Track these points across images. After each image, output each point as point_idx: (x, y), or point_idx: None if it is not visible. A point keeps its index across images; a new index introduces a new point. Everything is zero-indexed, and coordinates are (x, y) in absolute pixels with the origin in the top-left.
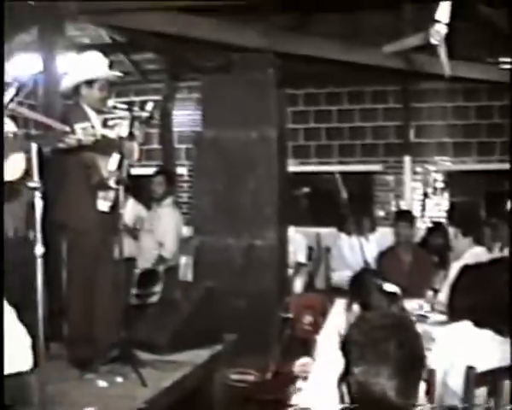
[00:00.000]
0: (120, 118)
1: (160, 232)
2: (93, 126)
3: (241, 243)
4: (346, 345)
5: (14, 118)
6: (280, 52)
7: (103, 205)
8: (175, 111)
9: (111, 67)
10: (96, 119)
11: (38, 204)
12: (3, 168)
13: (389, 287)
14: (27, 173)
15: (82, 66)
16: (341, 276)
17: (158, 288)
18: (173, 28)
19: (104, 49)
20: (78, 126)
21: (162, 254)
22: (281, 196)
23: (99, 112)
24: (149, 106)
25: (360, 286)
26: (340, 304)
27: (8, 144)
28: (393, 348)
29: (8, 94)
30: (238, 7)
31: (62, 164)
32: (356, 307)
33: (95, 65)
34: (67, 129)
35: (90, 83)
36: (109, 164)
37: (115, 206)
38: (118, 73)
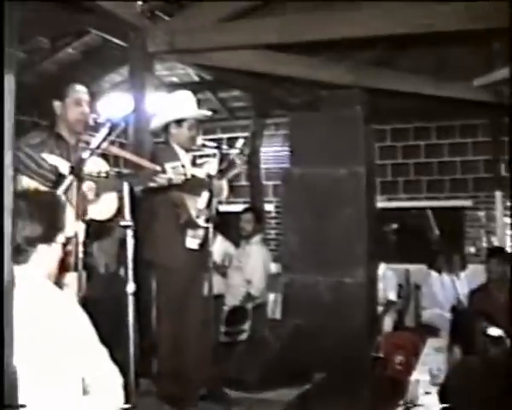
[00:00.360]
0: (209, 156)
1: (249, 270)
2: (183, 165)
3: (330, 280)
4: (446, 390)
5: (105, 157)
6: (367, 87)
7: (192, 243)
8: (262, 148)
9: (199, 105)
10: (185, 157)
11: (130, 242)
12: (3, 169)
13: (494, 331)
14: (119, 212)
15: (172, 105)
16: (432, 314)
17: (246, 325)
18: (261, 66)
19: (192, 87)
20: (168, 166)
21: (250, 291)
22: (370, 233)
23: (188, 150)
24: (240, 143)
25: (462, 328)
26: (432, 343)
27: (102, 184)
28: (498, 395)
29: (101, 134)
30: (324, 43)
31: (152, 203)
32: (457, 351)
33: (184, 104)
34: (158, 168)
35: (179, 122)
36: (198, 203)
37: (204, 243)
38: (207, 112)
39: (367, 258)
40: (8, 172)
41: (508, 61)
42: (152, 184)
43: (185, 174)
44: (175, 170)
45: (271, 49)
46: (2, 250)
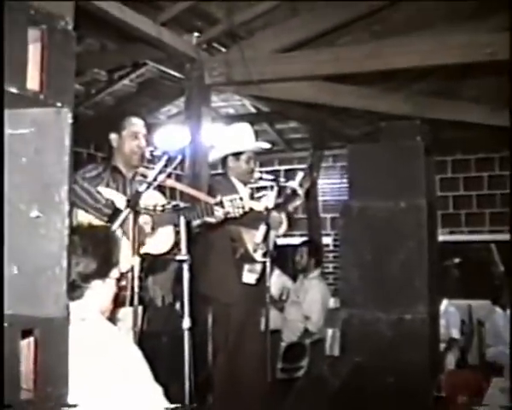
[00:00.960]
0: (266, 188)
1: (307, 305)
2: (241, 198)
3: (391, 316)
4: None
5: (162, 190)
6: (427, 118)
7: (249, 278)
8: (320, 180)
9: (256, 137)
10: (243, 190)
11: (186, 277)
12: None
13: None
14: (175, 246)
15: (229, 138)
16: (497, 352)
17: (304, 362)
18: (318, 97)
19: (249, 119)
20: (226, 199)
21: (308, 327)
22: (431, 267)
23: (246, 183)
24: (299, 176)
25: None
26: (496, 383)
27: (158, 218)
28: None
29: (158, 166)
30: (382, 73)
31: (208, 237)
32: None
33: (242, 137)
34: (215, 201)
35: (237, 155)
36: (256, 236)
37: (261, 278)
38: (265, 145)
39: (428, 293)
40: (64, 207)
41: None
42: (209, 218)
43: (243, 207)
44: (233, 203)
45: (328, 81)
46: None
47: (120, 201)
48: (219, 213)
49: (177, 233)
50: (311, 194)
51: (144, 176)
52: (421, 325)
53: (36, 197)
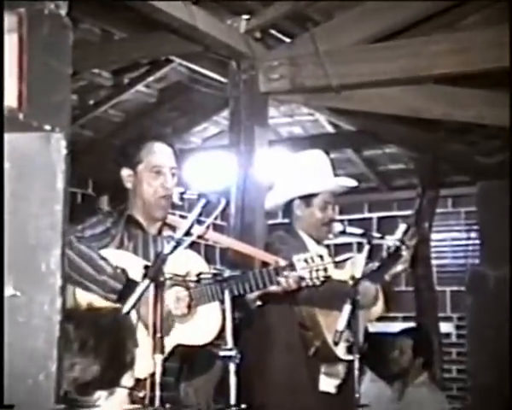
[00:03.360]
0: (350, 246)
1: None
2: (321, 257)
3: None
4: None
5: (198, 250)
6: None
7: (329, 384)
8: (433, 234)
9: (335, 169)
10: (316, 250)
11: (233, 381)
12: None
13: None
14: (219, 334)
15: (297, 173)
16: None
17: None
18: (429, 108)
19: (324, 142)
20: (298, 258)
21: None
22: None
23: (320, 241)
24: (401, 229)
25: None
26: None
27: (199, 292)
28: None
29: (192, 215)
30: None
31: (267, 320)
32: None
33: (316, 171)
34: (282, 263)
35: (308, 198)
36: (338, 322)
37: (346, 385)
38: (350, 183)
39: None
40: (55, 281)
41: None
42: (273, 288)
43: (325, 271)
44: (309, 265)
45: (442, 83)
46: None
47: (136, 268)
48: (288, 280)
49: (222, 315)
50: (419, 255)
51: (174, 229)
52: None
53: (12, 267)
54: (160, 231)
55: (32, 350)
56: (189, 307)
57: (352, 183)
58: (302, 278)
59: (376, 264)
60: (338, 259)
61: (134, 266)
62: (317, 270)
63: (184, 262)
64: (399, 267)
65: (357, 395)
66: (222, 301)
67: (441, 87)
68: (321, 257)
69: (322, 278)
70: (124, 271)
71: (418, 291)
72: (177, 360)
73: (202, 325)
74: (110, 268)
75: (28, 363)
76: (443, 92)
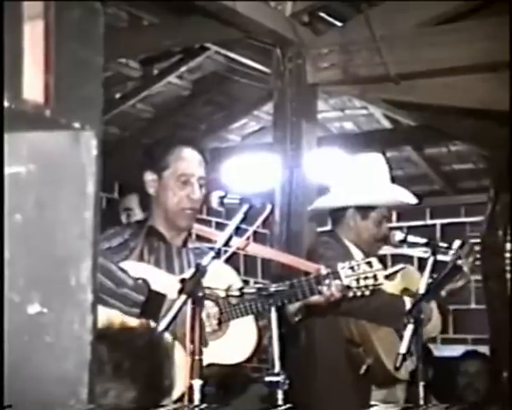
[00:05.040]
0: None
1: None
2: (369, 263)
3: None
4: None
5: (235, 257)
6: None
7: None
8: (509, 244)
9: (392, 169)
10: (364, 260)
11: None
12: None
13: None
14: (258, 349)
15: (353, 178)
16: None
17: None
18: (503, 102)
19: (381, 138)
20: (343, 266)
21: None
22: None
23: (369, 253)
24: (455, 246)
25: None
26: None
27: (229, 306)
28: None
29: (232, 223)
30: None
31: (311, 336)
32: None
33: (377, 179)
34: (324, 271)
35: (365, 210)
36: (390, 338)
37: None
38: (413, 200)
39: None
40: (86, 296)
41: None
42: (314, 299)
43: (376, 279)
44: (356, 272)
45: None
46: None
47: (166, 282)
48: (331, 289)
49: (265, 331)
50: (493, 268)
51: (203, 240)
52: None
53: (38, 281)
54: (184, 243)
55: (60, 374)
56: (220, 323)
57: (415, 201)
58: (349, 288)
59: (438, 278)
60: (389, 271)
61: (157, 280)
62: (366, 277)
63: (221, 276)
64: (459, 283)
65: None
66: (257, 316)
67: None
68: (369, 264)
69: (371, 287)
70: (145, 281)
71: (491, 310)
72: (210, 382)
73: (236, 342)
74: (131, 280)
75: (56, 388)
76: None
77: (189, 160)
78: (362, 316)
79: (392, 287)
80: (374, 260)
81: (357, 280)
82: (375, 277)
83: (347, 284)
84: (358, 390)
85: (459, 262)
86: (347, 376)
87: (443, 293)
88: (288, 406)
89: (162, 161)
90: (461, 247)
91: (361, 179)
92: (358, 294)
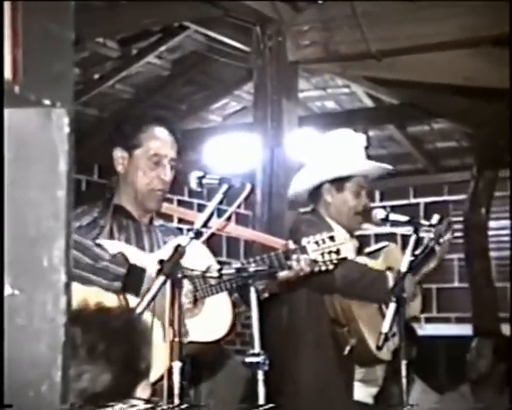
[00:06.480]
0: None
1: None
2: (331, 238)
3: None
4: None
5: (218, 238)
6: None
7: (364, 393)
8: (492, 221)
9: (372, 149)
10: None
11: (261, 392)
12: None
13: None
14: (234, 328)
15: (325, 154)
16: None
17: None
18: (486, 76)
19: (362, 117)
20: (308, 240)
21: None
22: None
23: (352, 230)
24: (433, 220)
25: None
26: None
27: (204, 285)
28: None
29: (212, 203)
30: None
31: (294, 315)
32: None
33: (348, 152)
34: (291, 246)
35: (340, 182)
36: (374, 318)
37: (383, 393)
38: (388, 167)
39: None
40: (59, 277)
41: None
42: (282, 274)
43: (338, 253)
44: (320, 246)
45: (500, 46)
46: None
47: (140, 259)
48: (300, 263)
49: (235, 305)
50: (475, 247)
51: (172, 218)
52: None
53: (9, 263)
54: (151, 221)
55: (33, 357)
56: (195, 300)
57: (389, 167)
58: (315, 262)
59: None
60: (371, 248)
61: (132, 257)
62: (330, 252)
63: (198, 256)
64: (431, 265)
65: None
66: (230, 292)
67: (502, 51)
68: (331, 238)
69: (335, 261)
70: (122, 255)
71: (475, 288)
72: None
73: (212, 319)
74: (108, 255)
75: (29, 371)
76: (504, 57)
77: (162, 140)
78: (348, 294)
79: (375, 265)
80: (336, 235)
81: (322, 254)
82: (337, 251)
83: (314, 258)
84: (342, 371)
85: (436, 240)
86: (334, 354)
87: (417, 277)
88: (270, 406)
89: (134, 138)
90: (439, 222)
91: (334, 153)
92: (323, 268)
